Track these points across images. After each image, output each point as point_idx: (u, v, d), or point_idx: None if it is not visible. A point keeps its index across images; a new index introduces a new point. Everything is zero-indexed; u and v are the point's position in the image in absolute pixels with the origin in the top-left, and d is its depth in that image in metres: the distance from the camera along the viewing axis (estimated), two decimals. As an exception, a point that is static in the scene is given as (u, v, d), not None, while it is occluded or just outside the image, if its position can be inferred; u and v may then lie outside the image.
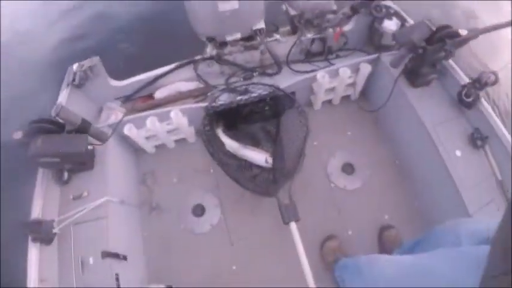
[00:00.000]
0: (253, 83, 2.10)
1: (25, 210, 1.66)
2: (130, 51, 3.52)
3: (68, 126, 1.66)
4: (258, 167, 1.99)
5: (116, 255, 1.61)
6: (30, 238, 1.53)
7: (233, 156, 2.03)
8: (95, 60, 2.03)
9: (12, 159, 2.23)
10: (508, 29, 1.69)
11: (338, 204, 2.06)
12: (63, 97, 1.92)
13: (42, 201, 1.66)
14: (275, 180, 1.91)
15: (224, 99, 2.04)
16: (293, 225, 1.48)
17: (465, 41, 1.78)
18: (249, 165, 2.00)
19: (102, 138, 1.80)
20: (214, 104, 1.98)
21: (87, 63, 2.01)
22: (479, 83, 1.76)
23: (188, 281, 1.87)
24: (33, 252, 1.50)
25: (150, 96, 2.33)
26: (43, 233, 1.52)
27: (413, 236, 1.75)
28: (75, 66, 2.01)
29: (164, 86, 2.31)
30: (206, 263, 1.94)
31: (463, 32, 1.75)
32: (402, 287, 1.02)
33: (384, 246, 1.89)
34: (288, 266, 1.49)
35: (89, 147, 1.74)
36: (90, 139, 1.75)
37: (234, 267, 1.92)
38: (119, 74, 2.29)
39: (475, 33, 1.76)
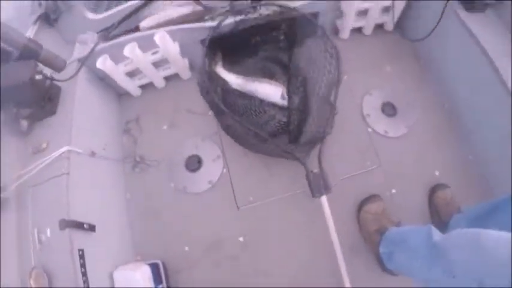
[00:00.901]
0: (265, 2, 1.60)
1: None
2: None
3: (12, 50, 1.28)
4: (273, 106, 1.52)
5: (79, 225, 1.23)
6: None
7: (240, 96, 1.56)
8: None
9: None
10: None
11: (378, 154, 1.62)
12: (30, 33, 1.60)
13: None
14: (289, 124, 1.48)
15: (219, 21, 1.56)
16: (324, 200, 1.26)
17: None
18: (260, 104, 1.53)
19: (57, 65, 1.42)
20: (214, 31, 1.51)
21: None
22: None
23: (181, 256, 1.52)
24: None
25: (137, 29, 1.86)
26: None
27: (472, 199, 1.46)
28: None
29: (152, 14, 1.84)
30: (204, 232, 1.55)
31: None
32: None
33: (437, 209, 1.45)
34: (313, 241, 1.39)
35: (37, 77, 1.31)
36: (44, 69, 1.36)
37: (240, 239, 1.53)
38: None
39: None
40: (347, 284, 1.24)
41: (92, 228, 1.27)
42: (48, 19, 1.73)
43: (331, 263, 1.27)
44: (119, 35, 1.81)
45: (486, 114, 1.52)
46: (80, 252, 1.17)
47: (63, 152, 1.29)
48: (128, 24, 1.83)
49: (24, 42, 1.29)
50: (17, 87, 1.26)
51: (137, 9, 1.79)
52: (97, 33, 1.81)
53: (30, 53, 1.31)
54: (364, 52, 1.87)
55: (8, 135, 1.39)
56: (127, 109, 1.86)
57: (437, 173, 1.57)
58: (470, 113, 1.62)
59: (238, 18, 1.54)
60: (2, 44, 1.25)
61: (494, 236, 0.75)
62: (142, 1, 1.78)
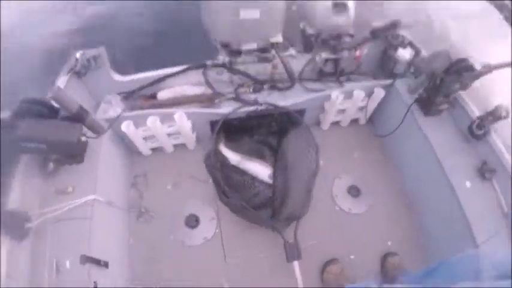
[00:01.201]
0: (268, 104, 1.99)
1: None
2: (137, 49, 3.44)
3: (62, 111, 1.53)
4: (262, 183, 1.88)
5: (96, 261, 1.47)
6: (2, 231, 1.36)
7: (236, 171, 1.92)
8: (100, 50, 1.96)
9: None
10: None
11: (342, 227, 1.98)
12: (61, 82, 1.82)
13: (22, 191, 1.50)
14: (274, 199, 1.82)
15: (229, 109, 1.94)
16: (295, 264, 1.61)
17: (481, 75, 1.79)
18: (251, 181, 1.89)
19: (98, 130, 1.69)
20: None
21: (91, 52, 1.93)
22: (494, 116, 1.74)
23: None
24: (3, 245, 1.35)
25: (153, 97, 2.21)
26: (16, 226, 1.39)
27: (416, 264, 1.78)
28: (78, 53, 1.91)
29: (170, 87, 2.20)
30: (195, 276, 1.80)
31: (478, 66, 1.76)
32: None
33: (387, 273, 1.81)
34: None
35: (83, 138, 1.59)
36: (85, 130, 1.61)
37: (225, 284, 1.79)
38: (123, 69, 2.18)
39: (490, 69, 1.76)
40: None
41: (105, 264, 1.51)
42: (78, 72, 1.93)
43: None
44: (137, 98, 2.17)
45: (431, 200, 1.92)
46: (94, 284, 1.40)
47: (88, 199, 1.55)
48: (147, 90, 2.19)
49: (77, 108, 1.54)
50: (64, 143, 1.48)
51: (158, 80, 2.15)
52: (118, 94, 2.15)
53: (79, 118, 1.56)
54: (339, 141, 2.29)
55: (34, 172, 1.59)
56: (136, 165, 2.14)
57: (389, 243, 1.93)
58: (423, 197, 2.00)
59: (241, 107, 1.93)
60: (56, 105, 1.50)
61: None
62: (164, 74, 2.13)
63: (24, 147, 1.46)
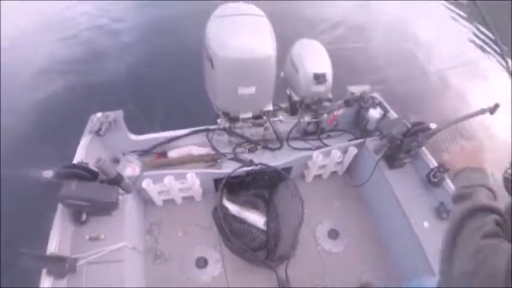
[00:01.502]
0: (261, 164, 2.42)
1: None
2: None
3: (101, 176, 1.91)
4: (258, 229, 2.30)
5: None
6: (45, 271, 1.64)
7: (236, 220, 2.33)
8: (119, 113, 2.33)
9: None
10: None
11: (324, 264, 2.37)
12: (84, 142, 2.20)
13: (59, 238, 1.76)
14: (268, 243, 2.23)
15: (230, 169, 2.36)
16: None
17: (434, 133, 2.26)
18: (249, 228, 2.29)
19: (128, 190, 2.07)
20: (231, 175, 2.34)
21: (111, 115, 2.30)
22: (443, 168, 2.20)
23: None
24: (46, 284, 1.61)
25: (163, 154, 2.64)
26: (56, 267, 1.65)
27: None
28: (98, 115, 2.30)
29: (178, 146, 2.64)
30: None
31: (433, 126, 2.24)
32: None
33: None
34: None
35: (120, 197, 1.97)
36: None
37: None
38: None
39: (442, 127, 2.25)
40: None
41: None
42: (98, 132, 2.26)
43: None
44: (150, 154, 2.59)
45: (397, 238, 2.32)
46: None
47: (120, 246, 1.84)
48: (158, 148, 2.62)
49: (114, 175, 1.90)
50: (105, 203, 1.83)
51: (168, 141, 2.59)
52: (133, 152, 2.56)
53: (115, 181, 1.92)
54: (321, 191, 2.73)
55: (69, 222, 1.87)
56: (151, 214, 2.50)
57: (365, 276, 2.31)
58: (391, 236, 2.42)
59: (240, 167, 2.37)
60: (96, 170, 1.87)
61: None
62: (173, 136, 2.57)
63: (70, 204, 1.82)
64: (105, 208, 1.95)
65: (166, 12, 5.78)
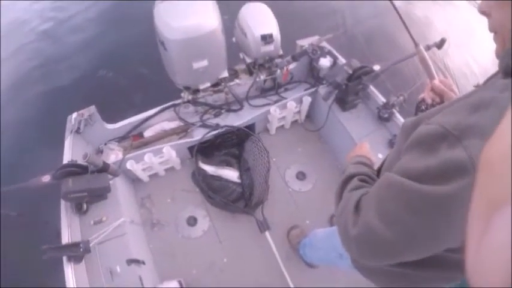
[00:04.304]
0: (227, 126, 2.70)
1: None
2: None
3: (91, 168, 2.11)
4: (234, 183, 2.63)
5: (137, 261, 2.01)
6: (65, 258, 1.85)
7: (213, 178, 2.66)
8: (92, 109, 2.48)
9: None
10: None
11: (296, 203, 2.74)
12: (68, 142, 2.38)
13: (69, 228, 2.00)
14: (244, 193, 2.57)
15: (200, 136, 2.64)
16: (267, 234, 2.35)
17: (378, 75, 2.50)
18: (226, 183, 2.63)
19: (116, 174, 2.32)
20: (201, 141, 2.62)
21: (85, 112, 2.46)
22: (388, 105, 2.50)
23: (191, 273, 2.39)
24: (69, 269, 1.83)
25: (140, 135, 2.88)
26: (73, 254, 1.87)
27: None
28: (74, 115, 2.47)
29: (151, 125, 2.86)
30: (203, 259, 2.45)
31: (377, 68, 2.47)
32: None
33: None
34: (264, 256, 2.36)
35: (110, 182, 2.23)
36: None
37: (224, 260, 2.46)
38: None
39: (384, 68, 2.49)
40: (288, 281, 2.19)
41: (143, 262, 2.04)
42: (78, 130, 2.41)
43: (276, 268, 2.26)
44: (127, 139, 2.84)
45: None
46: (140, 277, 1.93)
47: (120, 222, 2.07)
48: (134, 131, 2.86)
49: (101, 164, 2.07)
50: (100, 189, 2.08)
51: (141, 122, 2.81)
52: (113, 140, 2.81)
53: (103, 169, 2.10)
54: (285, 140, 3.03)
55: (73, 214, 2.09)
56: (140, 190, 2.78)
57: (333, 207, 2.70)
58: None
59: (208, 132, 2.65)
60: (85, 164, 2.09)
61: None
62: (145, 117, 2.78)
63: (71, 198, 2.07)
64: (101, 194, 2.20)
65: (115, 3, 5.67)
